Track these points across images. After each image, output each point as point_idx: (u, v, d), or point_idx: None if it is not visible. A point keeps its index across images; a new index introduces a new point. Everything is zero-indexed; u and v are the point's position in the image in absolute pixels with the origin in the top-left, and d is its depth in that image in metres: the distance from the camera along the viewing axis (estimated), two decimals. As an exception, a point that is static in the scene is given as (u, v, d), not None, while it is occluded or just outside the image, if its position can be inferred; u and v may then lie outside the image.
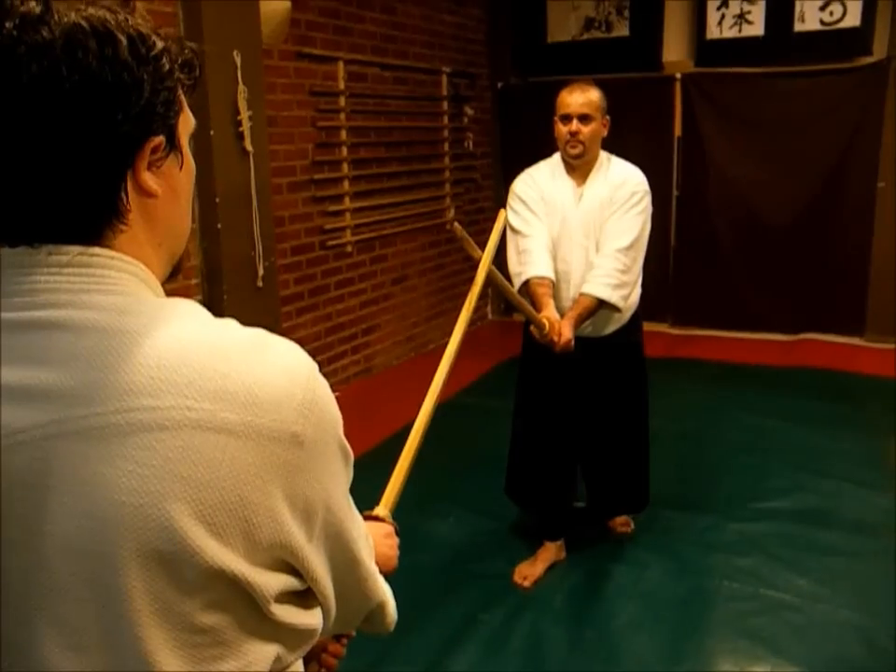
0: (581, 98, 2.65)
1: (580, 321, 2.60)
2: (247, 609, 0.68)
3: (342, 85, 4.72)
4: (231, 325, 0.72)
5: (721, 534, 3.13)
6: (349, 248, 4.92)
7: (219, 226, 3.84)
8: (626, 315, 2.83)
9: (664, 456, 3.80)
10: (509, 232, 2.79)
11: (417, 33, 5.40)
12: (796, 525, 3.17)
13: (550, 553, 2.99)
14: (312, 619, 0.75)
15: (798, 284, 5.65)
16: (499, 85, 6.32)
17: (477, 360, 5.48)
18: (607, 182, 2.73)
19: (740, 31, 5.49)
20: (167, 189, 0.73)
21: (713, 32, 5.55)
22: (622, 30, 5.78)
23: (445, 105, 5.76)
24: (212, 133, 3.75)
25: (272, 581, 0.69)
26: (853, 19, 5.22)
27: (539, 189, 2.78)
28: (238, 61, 3.79)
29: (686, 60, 5.75)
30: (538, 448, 2.98)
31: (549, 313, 2.54)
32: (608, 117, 2.74)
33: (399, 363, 5.51)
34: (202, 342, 0.68)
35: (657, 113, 5.76)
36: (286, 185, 4.39)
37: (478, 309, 6.51)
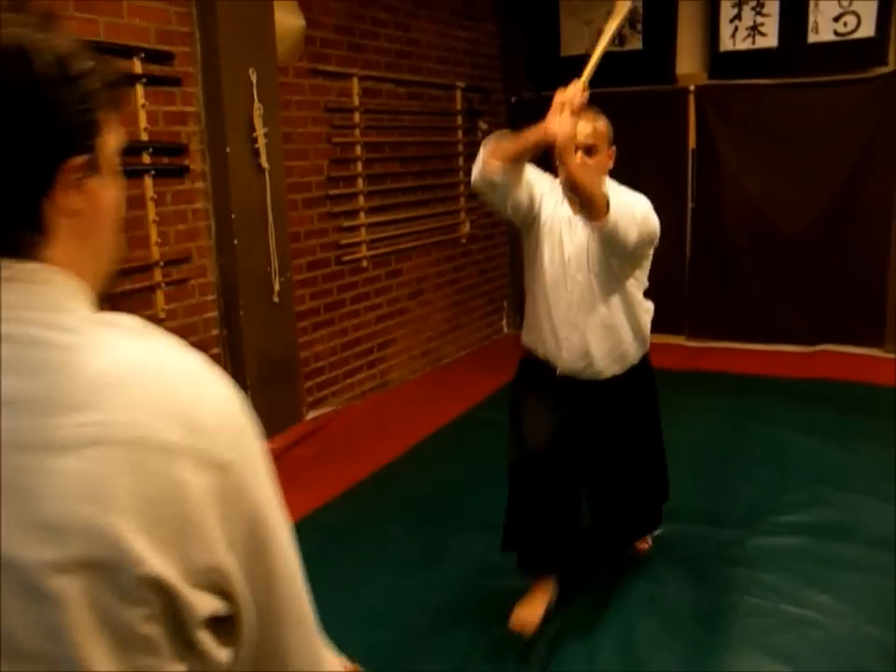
0: (587, 128, 2.42)
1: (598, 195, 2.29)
2: (176, 628, 0.68)
3: (356, 101, 4.75)
4: (174, 346, 0.73)
5: (740, 548, 3.10)
6: (364, 263, 4.94)
7: (235, 242, 3.87)
8: (632, 356, 2.64)
9: (680, 469, 3.76)
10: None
11: (431, 48, 5.44)
12: (816, 540, 3.13)
13: (546, 591, 2.73)
14: (224, 656, 0.73)
15: (815, 295, 5.61)
16: (513, 99, 6.34)
17: (491, 375, 5.46)
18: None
19: (754, 42, 5.49)
20: (92, 207, 0.74)
21: (726, 44, 5.55)
22: (635, 43, 5.79)
23: (459, 119, 5.79)
24: (228, 150, 3.79)
25: (203, 603, 0.69)
26: (868, 29, 5.20)
27: (540, 190, 2.55)
28: (254, 78, 3.83)
29: (700, 72, 5.75)
30: (536, 485, 2.71)
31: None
32: (613, 147, 2.53)
33: (414, 377, 5.51)
34: (149, 361, 0.69)
35: (671, 125, 5.76)
36: (301, 201, 4.42)
37: (492, 323, 6.53)
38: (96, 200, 0.74)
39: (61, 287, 0.71)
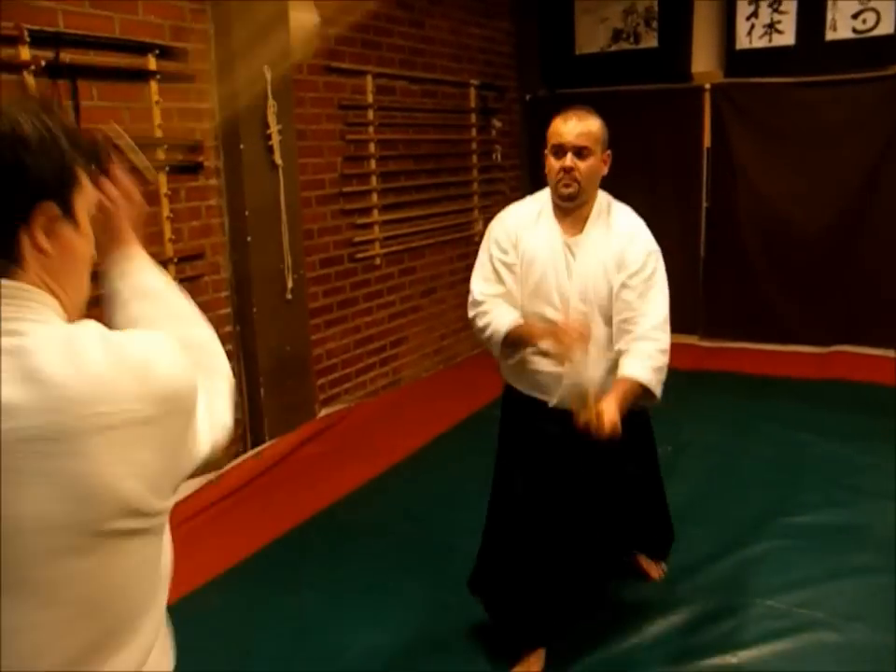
0: (577, 127, 2.22)
1: (624, 404, 2.14)
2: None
3: (370, 98, 4.74)
4: (135, 338, 0.92)
5: (753, 550, 3.07)
6: (378, 261, 4.94)
7: (249, 239, 3.88)
8: None
9: (693, 470, 3.77)
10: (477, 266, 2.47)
11: (445, 46, 5.42)
12: (830, 542, 3.11)
13: (539, 658, 2.49)
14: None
15: (831, 296, 5.57)
16: (527, 97, 6.32)
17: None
18: (609, 236, 2.30)
19: (770, 40, 5.45)
20: (60, 249, 0.90)
21: (743, 42, 5.51)
22: (650, 41, 5.76)
23: (473, 117, 5.78)
24: (242, 147, 3.80)
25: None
26: (887, 26, 5.15)
27: (514, 235, 2.36)
28: (268, 75, 3.83)
29: (715, 70, 5.71)
30: (521, 533, 2.49)
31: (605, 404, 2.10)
32: (609, 151, 2.31)
33: (427, 375, 5.51)
34: (129, 356, 0.87)
35: (686, 124, 5.72)
36: (314, 198, 4.42)
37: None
38: (64, 243, 0.91)
39: (38, 302, 0.88)
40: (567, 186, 2.25)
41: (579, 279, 2.32)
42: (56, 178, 0.88)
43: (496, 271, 2.39)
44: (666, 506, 2.93)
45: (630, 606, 2.78)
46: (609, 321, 2.34)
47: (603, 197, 2.37)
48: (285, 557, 3.21)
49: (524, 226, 2.37)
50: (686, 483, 3.56)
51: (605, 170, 2.33)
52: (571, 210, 2.32)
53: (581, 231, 2.33)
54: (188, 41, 3.64)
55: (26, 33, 3.02)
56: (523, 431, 2.52)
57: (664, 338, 2.28)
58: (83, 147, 0.93)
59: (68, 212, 0.90)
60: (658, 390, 2.26)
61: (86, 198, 0.94)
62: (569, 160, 2.23)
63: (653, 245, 2.33)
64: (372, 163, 4.82)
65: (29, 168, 0.85)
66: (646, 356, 2.24)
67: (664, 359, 2.27)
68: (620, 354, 2.32)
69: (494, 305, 2.38)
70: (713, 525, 3.25)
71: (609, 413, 2.08)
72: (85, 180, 0.93)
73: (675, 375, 3.49)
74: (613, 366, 2.34)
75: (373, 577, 3.03)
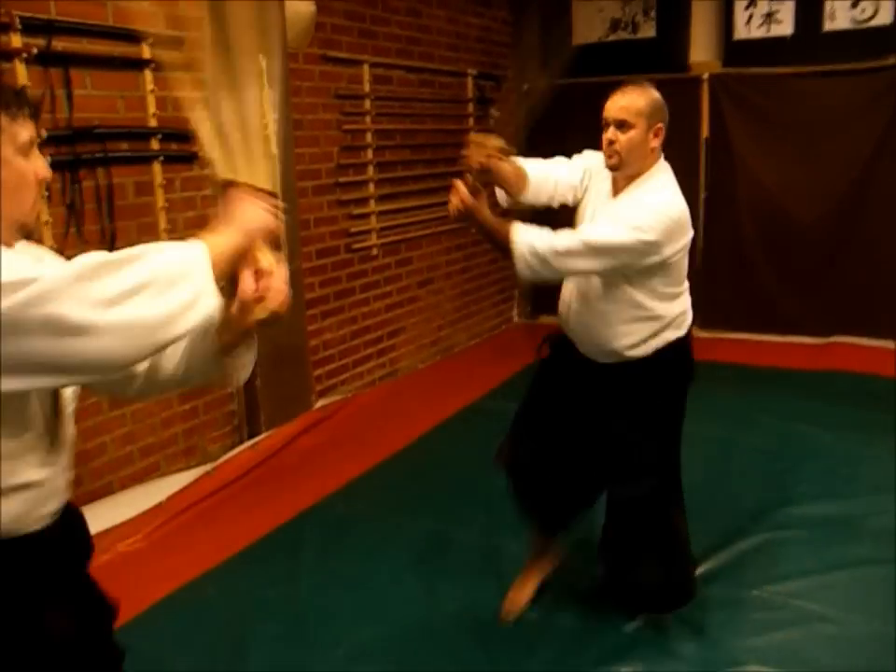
0: (620, 101, 2.30)
1: (487, 224, 2.29)
2: None
3: (367, 88, 4.71)
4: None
5: (750, 541, 3.07)
6: (374, 251, 4.92)
7: (245, 230, 3.84)
8: (619, 353, 2.44)
9: (691, 461, 3.72)
10: None
11: (442, 35, 5.39)
12: (827, 534, 3.10)
13: (543, 564, 2.77)
14: None
15: (829, 286, 5.56)
16: (525, 87, 6.27)
17: (501, 364, 5.45)
18: (632, 202, 2.33)
19: (769, 30, 5.42)
20: None
21: (741, 32, 5.48)
22: (648, 31, 5.73)
23: (471, 107, 5.75)
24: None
25: None
26: (885, 16, 5.12)
27: (595, 167, 2.48)
28: (263, 64, 3.79)
29: (714, 60, 5.68)
30: (543, 435, 2.65)
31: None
32: (660, 125, 2.33)
33: (424, 366, 5.49)
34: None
35: (684, 114, 5.66)
36: (311, 188, 4.40)
37: (502, 312, 6.49)
38: None
39: None
40: (609, 157, 2.35)
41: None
42: None
43: (573, 163, 2.57)
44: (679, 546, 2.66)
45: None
46: (595, 282, 2.42)
47: (657, 169, 2.38)
48: (280, 549, 3.20)
49: (597, 171, 2.49)
50: (683, 474, 3.55)
51: (654, 142, 2.33)
52: (617, 178, 2.42)
53: (619, 194, 2.42)
54: (182, 29, 3.60)
55: (17, 20, 3.00)
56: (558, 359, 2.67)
57: (575, 247, 2.22)
58: (4, 99, 1.21)
59: None
60: (519, 260, 2.23)
61: (11, 137, 1.20)
62: (611, 132, 2.32)
63: (653, 224, 2.24)
64: (369, 153, 4.80)
65: None
66: (547, 233, 2.25)
67: (554, 254, 2.21)
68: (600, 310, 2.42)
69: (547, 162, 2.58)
70: (710, 516, 3.22)
71: (466, 199, 2.29)
72: (7, 123, 1.20)
73: None
74: (594, 327, 2.45)
75: (369, 569, 3.03)
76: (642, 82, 2.38)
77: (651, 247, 2.24)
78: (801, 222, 5.55)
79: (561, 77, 6.09)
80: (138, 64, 3.42)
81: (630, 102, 2.29)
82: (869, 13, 5.15)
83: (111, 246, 3.29)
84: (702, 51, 5.69)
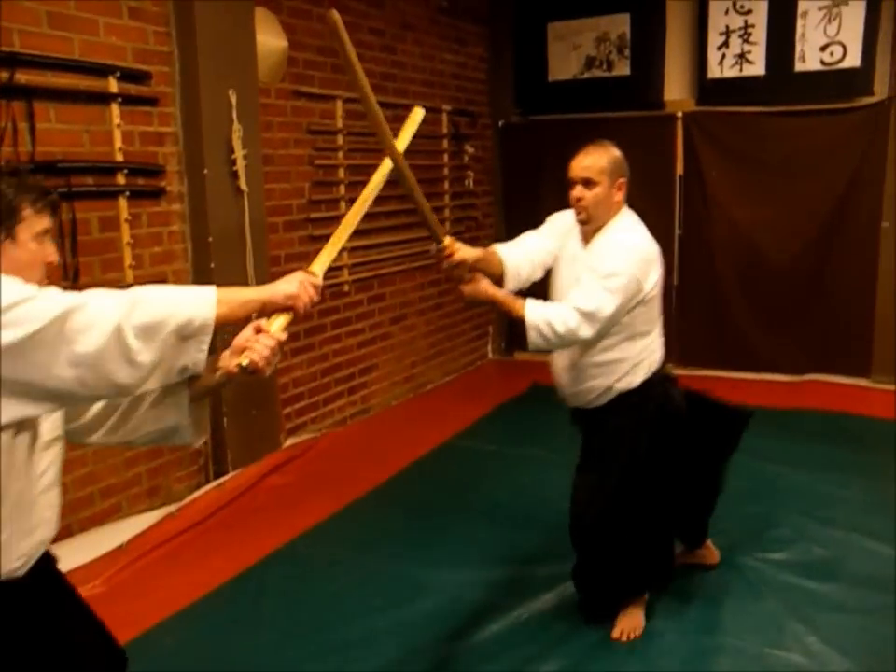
0: (584, 161, 2.50)
1: (498, 301, 2.44)
2: None
3: (340, 123, 4.69)
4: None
5: (723, 587, 3.00)
6: (346, 287, 4.86)
7: (212, 265, 3.79)
8: (598, 393, 2.63)
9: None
10: None
11: (417, 71, 5.40)
12: (803, 578, 3.04)
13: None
14: None
15: (802, 324, 5.57)
16: (501, 123, 6.30)
17: (476, 401, 5.40)
18: (603, 248, 2.51)
19: (741, 70, 5.47)
20: (6, 260, 1.41)
21: (714, 71, 5.53)
22: (623, 69, 5.76)
23: (445, 143, 5.74)
24: (206, 171, 3.72)
25: None
26: (853, 59, 5.20)
27: (566, 226, 2.67)
28: (234, 99, 3.77)
29: (688, 98, 5.73)
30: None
31: (461, 245, 2.44)
32: (622, 179, 2.55)
33: (397, 403, 5.42)
34: None
35: (659, 151, 5.72)
36: (282, 224, 4.35)
37: (477, 349, 6.45)
38: (5, 258, 1.41)
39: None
40: (578, 213, 2.54)
41: (563, 282, 2.63)
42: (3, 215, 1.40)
43: (542, 231, 2.74)
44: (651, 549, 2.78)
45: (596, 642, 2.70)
46: None
47: (622, 216, 2.58)
48: (243, 595, 3.10)
49: (567, 229, 2.67)
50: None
51: (617, 196, 2.55)
52: (587, 229, 2.59)
53: (588, 243, 2.60)
54: (151, 63, 3.56)
55: (-20, 54, 2.95)
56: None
57: (577, 320, 2.37)
58: (27, 190, 1.45)
59: (11, 236, 1.42)
60: (533, 337, 2.39)
61: (31, 226, 1.44)
62: (578, 190, 2.51)
63: (626, 269, 2.42)
64: (342, 189, 4.76)
65: None
66: (551, 308, 2.41)
67: (561, 329, 2.37)
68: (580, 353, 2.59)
69: (520, 241, 2.73)
70: (676, 569, 3.16)
71: (459, 253, 2.40)
72: (29, 214, 1.44)
73: None
74: (575, 369, 2.62)
75: (335, 615, 2.93)
76: (603, 142, 2.59)
77: (634, 288, 2.43)
78: (774, 260, 5.57)
79: (536, 114, 6.15)
80: (104, 98, 3.36)
81: (594, 161, 2.50)
82: (838, 55, 5.22)
83: (74, 282, 3.22)
84: (676, 89, 5.73)
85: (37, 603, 1.54)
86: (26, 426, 1.43)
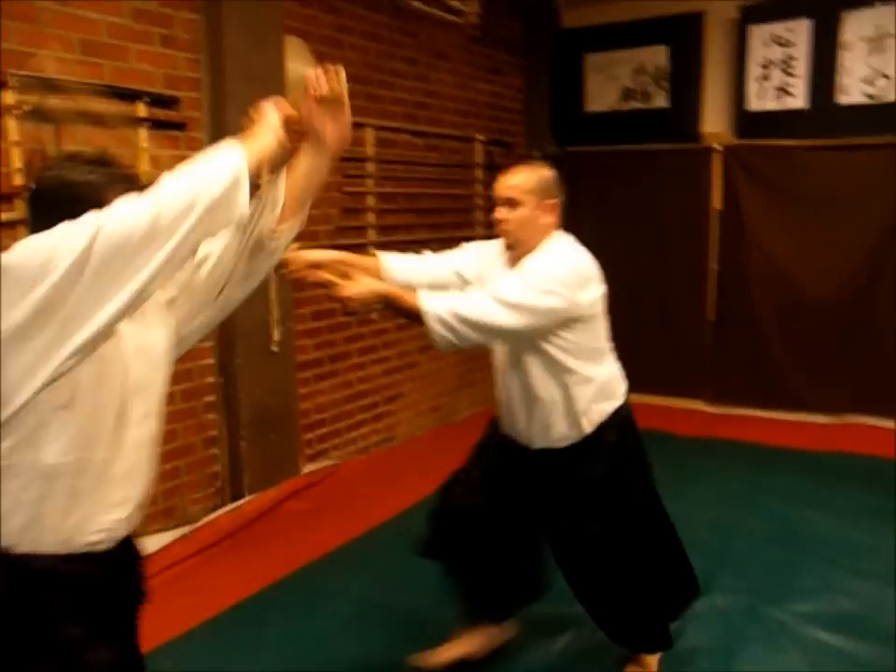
0: (508, 181, 2.35)
1: (390, 296, 2.19)
2: None
3: (370, 151, 4.71)
4: None
5: (743, 641, 2.86)
6: (374, 315, 4.85)
7: (234, 290, 3.80)
8: (560, 431, 2.38)
9: (688, 547, 3.56)
10: None
11: (451, 100, 5.40)
12: (828, 633, 2.88)
13: (475, 639, 2.68)
14: None
15: (841, 363, 5.38)
16: (536, 154, 6.27)
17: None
18: (527, 264, 2.29)
19: (782, 103, 5.37)
20: None
21: (754, 103, 5.44)
22: (660, 101, 5.71)
23: (479, 172, 5.73)
24: (230, 196, 3.74)
25: None
26: (899, 92, 5.07)
27: (489, 253, 2.50)
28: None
29: (726, 131, 5.63)
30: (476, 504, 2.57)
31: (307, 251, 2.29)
32: (552, 201, 2.35)
33: (422, 433, 5.37)
34: None
35: (695, 184, 5.64)
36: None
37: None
38: None
39: None
40: (500, 234, 2.41)
41: None
42: (94, 200, 1.37)
43: (462, 251, 2.60)
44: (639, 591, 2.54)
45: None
46: (517, 353, 2.38)
47: (552, 239, 2.35)
48: (248, 620, 3.06)
49: (494, 255, 2.50)
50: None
51: (547, 218, 2.35)
52: (513, 254, 2.40)
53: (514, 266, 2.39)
54: (179, 89, 3.62)
55: (12, 78, 3.02)
56: (493, 441, 2.63)
57: (492, 305, 2.14)
58: (121, 181, 1.49)
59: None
60: (436, 330, 2.13)
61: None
62: (499, 211, 2.37)
63: (556, 269, 2.22)
64: (370, 216, 4.77)
65: (75, 196, 1.40)
66: (456, 296, 2.21)
67: (470, 314, 2.13)
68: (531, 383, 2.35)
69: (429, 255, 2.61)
70: (698, 608, 3.04)
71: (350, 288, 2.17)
72: (113, 199, 1.37)
73: (677, 441, 3.30)
74: (532, 403, 2.37)
75: (335, 651, 2.87)
76: (535, 162, 2.47)
77: (565, 297, 2.20)
78: (814, 297, 5.42)
79: (571, 145, 6.11)
80: (133, 122, 3.42)
81: (520, 181, 2.34)
82: (882, 88, 5.09)
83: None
84: (714, 122, 5.64)
85: (117, 580, 1.55)
86: (113, 390, 1.46)
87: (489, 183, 5.76)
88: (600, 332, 2.38)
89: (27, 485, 1.37)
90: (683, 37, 5.60)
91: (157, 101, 3.50)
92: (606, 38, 5.84)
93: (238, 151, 1.46)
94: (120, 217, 1.30)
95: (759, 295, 5.59)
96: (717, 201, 5.66)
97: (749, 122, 5.50)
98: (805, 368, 5.49)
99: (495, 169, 5.84)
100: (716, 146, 5.61)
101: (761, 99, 5.42)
